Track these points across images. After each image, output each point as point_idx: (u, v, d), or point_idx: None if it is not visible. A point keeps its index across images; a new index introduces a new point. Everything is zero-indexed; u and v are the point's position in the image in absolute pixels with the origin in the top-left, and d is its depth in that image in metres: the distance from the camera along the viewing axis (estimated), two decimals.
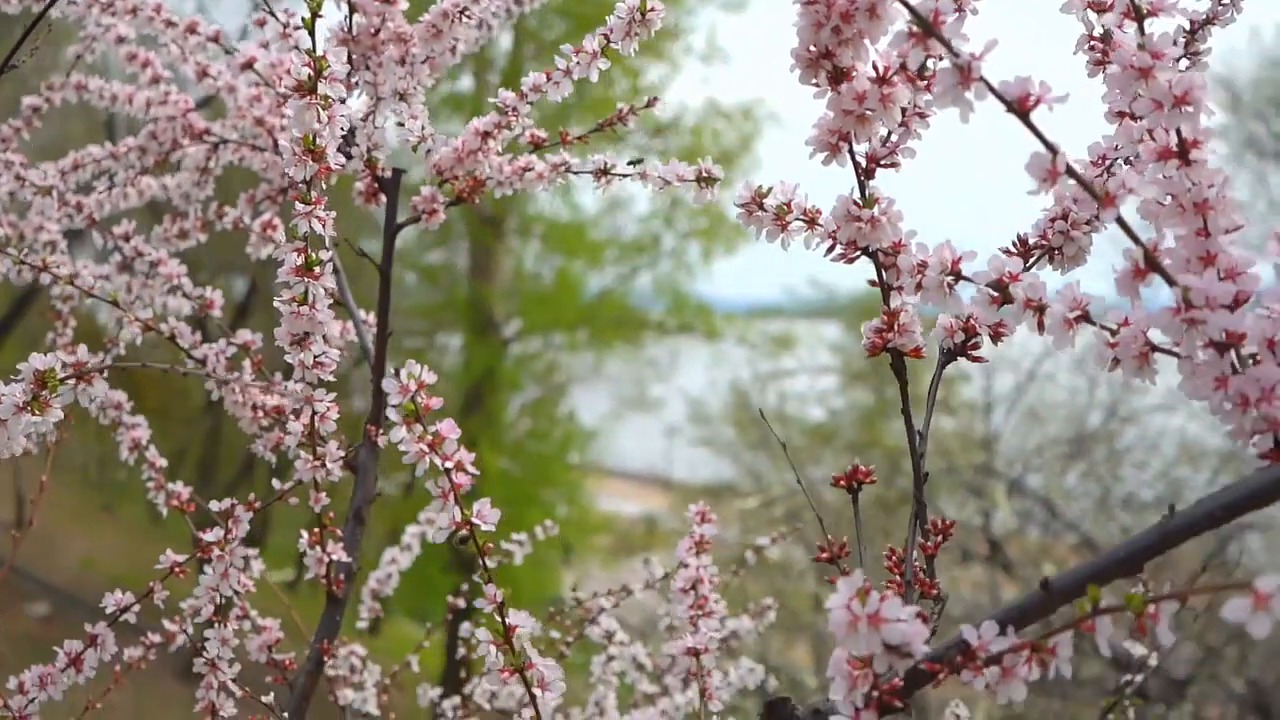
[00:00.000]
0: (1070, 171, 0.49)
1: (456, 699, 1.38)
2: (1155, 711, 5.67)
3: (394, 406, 0.59)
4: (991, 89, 0.49)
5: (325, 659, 0.97)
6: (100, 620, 1.02)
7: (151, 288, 1.12)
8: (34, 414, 0.66)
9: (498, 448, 10.96)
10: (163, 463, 1.09)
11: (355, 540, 0.99)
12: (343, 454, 0.90)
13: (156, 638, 1.11)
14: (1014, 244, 0.67)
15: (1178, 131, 0.52)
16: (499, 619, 0.63)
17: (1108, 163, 0.68)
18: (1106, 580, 0.50)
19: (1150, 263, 0.51)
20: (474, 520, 0.61)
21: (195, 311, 1.10)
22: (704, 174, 0.83)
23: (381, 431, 0.94)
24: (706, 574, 0.94)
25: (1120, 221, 0.50)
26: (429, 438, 0.60)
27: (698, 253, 11.96)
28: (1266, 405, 0.49)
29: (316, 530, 0.94)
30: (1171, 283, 0.50)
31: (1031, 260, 0.67)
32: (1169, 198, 0.53)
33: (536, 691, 0.63)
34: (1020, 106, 0.50)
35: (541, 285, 11.82)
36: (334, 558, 0.95)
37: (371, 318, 1.11)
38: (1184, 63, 0.71)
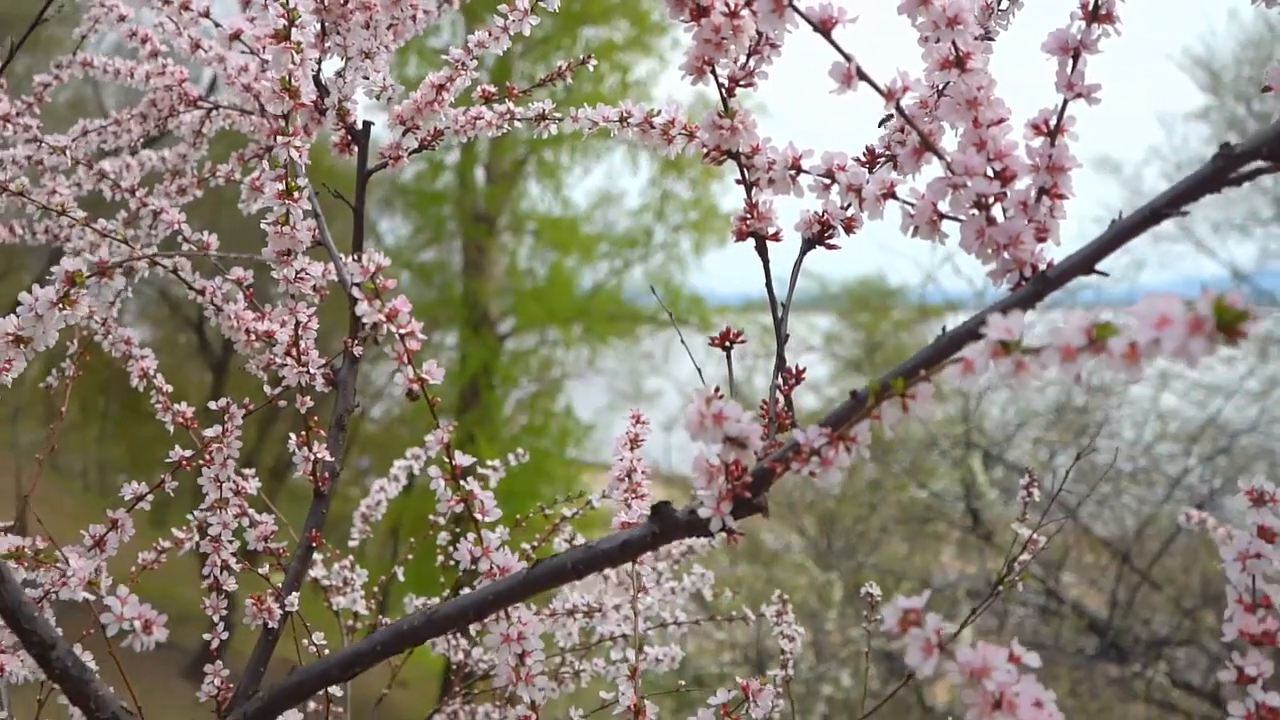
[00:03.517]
0: (861, 75, 0.65)
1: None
2: (1133, 669, 5.84)
3: (356, 285, 0.75)
4: (799, 13, 0.65)
5: (314, 546, 1.13)
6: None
7: (155, 236, 1.27)
8: (65, 308, 0.81)
9: (495, 443, 11.10)
10: (169, 388, 1.24)
11: (337, 444, 1.14)
12: (324, 362, 1.05)
13: (166, 543, 1.26)
14: (863, 152, 0.82)
15: (954, 45, 0.68)
16: (447, 459, 0.79)
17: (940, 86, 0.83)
18: (904, 384, 0.65)
19: (925, 144, 0.66)
20: (424, 376, 0.77)
21: (194, 254, 1.25)
22: (625, 115, 0.98)
23: (358, 343, 1.09)
24: (639, 465, 1.10)
25: (900, 112, 0.66)
26: (387, 310, 0.75)
27: (689, 246, 12.12)
28: (1013, 249, 0.65)
29: (303, 433, 1.10)
30: (941, 158, 0.66)
31: (878, 165, 0.82)
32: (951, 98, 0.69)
33: (478, 516, 0.79)
34: (824, 27, 0.65)
35: (535, 281, 11.97)
36: (319, 457, 1.11)
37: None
38: (1006, 3, 0.87)
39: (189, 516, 1.27)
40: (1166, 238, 9.18)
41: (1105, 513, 7.56)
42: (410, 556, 1.55)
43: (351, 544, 1.51)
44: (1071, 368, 0.49)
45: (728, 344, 0.80)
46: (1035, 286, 0.62)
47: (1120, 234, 0.61)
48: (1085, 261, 0.61)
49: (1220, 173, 0.59)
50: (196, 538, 1.24)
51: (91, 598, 0.76)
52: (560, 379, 12.26)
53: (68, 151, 1.27)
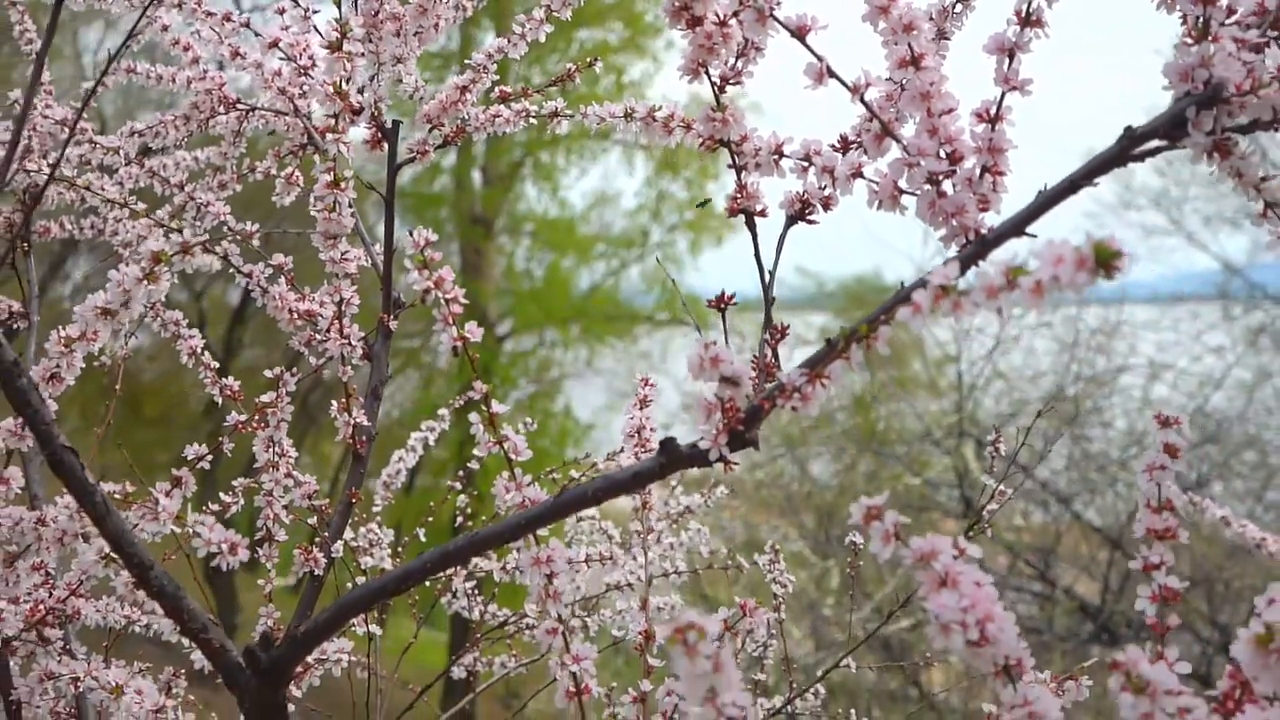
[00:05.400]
0: (831, 73, 0.77)
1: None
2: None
3: (409, 257, 0.87)
4: (780, 23, 0.77)
5: (353, 503, 1.25)
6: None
7: (200, 227, 1.40)
8: (150, 284, 0.94)
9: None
10: (215, 364, 1.37)
11: (373, 411, 1.27)
12: (364, 335, 1.18)
13: (216, 506, 1.38)
14: (839, 139, 0.95)
15: (910, 47, 0.80)
16: (485, 408, 0.91)
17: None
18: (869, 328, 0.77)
19: (886, 131, 0.79)
20: (466, 334, 0.89)
21: (239, 244, 1.37)
22: (629, 111, 1.11)
23: (393, 319, 1.22)
24: (648, 423, 1.22)
25: (864, 104, 0.79)
26: (435, 278, 0.88)
27: (685, 246, 12.26)
28: (959, 218, 0.77)
29: (344, 400, 1.23)
30: (899, 142, 0.78)
31: (850, 151, 0.95)
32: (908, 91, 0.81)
33: (512, 455, 0.91)
34: (800, 33, 0.78)
35: (533, 282, 12.10)
36: (358, 422, 1.23)
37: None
38: (959, 6, 0.99)
39: (233, 484, 1.40)
40: (1158, 232, 9.31)
41: (1098, 501, 7.70)
42: (430, 519, 1.68)
43: (375, 509, 1.64)
44: (994, 303, 0.61)
45: (722, 306, 0.93)
46: (976, 247, 0.75)
47: (1045, 202, 0.73)
48: (1016, 226, 0.74)
49: (1125, 150, 0.72)
50: (242, 501, 1.37)
51: (178, 529, 0.89)
52: (559, 379, 12.39)
53: (121, 151, 1.39)
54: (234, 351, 10.44)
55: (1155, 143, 0.72)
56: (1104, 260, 0.55)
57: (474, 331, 0.89)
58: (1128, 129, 0.72)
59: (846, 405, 10.25)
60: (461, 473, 1.68)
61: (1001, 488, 1.43)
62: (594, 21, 11.54)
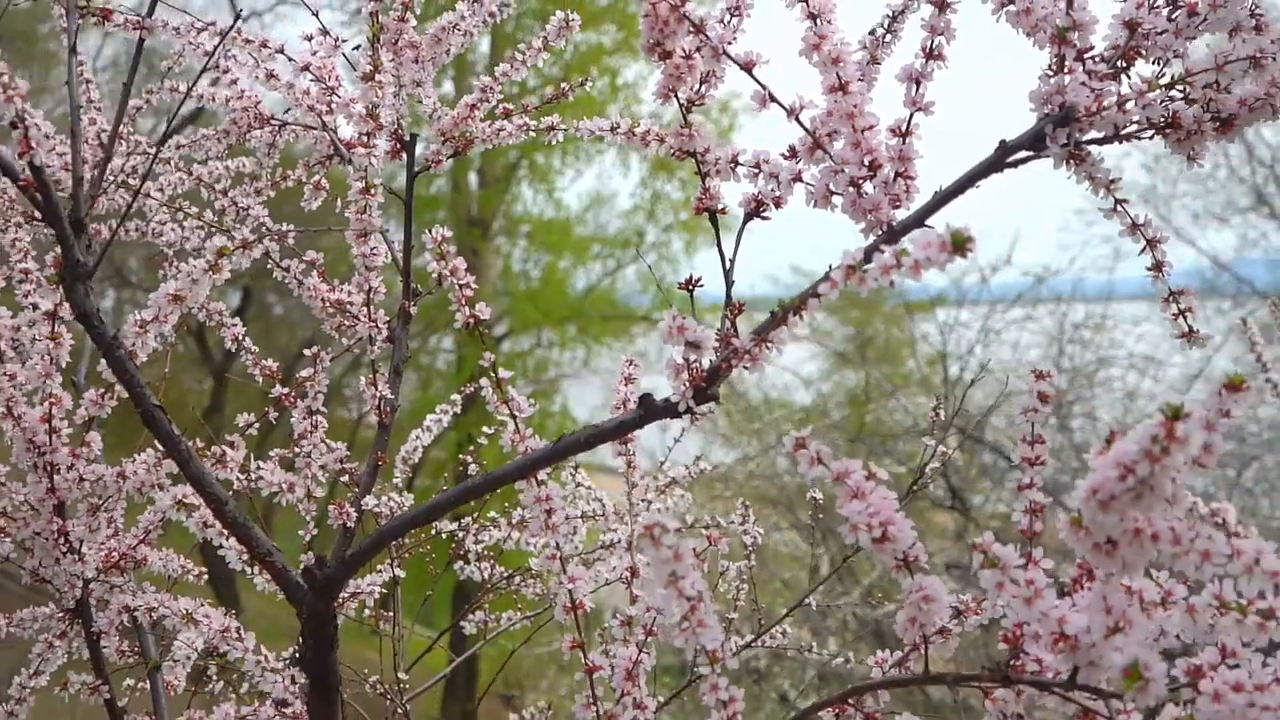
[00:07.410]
0: (772, 98, 0.97)
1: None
2: None
3: (428, 250, 1.07)
4: (730, 58, 0.97)
5: (379, 465, 1.44)
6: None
7: (240, 228, 1.59)
8: (213, 274, 1.13)
9: (494, 444, 11.42)
10: (256, 349, 1.56)
11: (395, 386, 1.46)
12: (389, 319, 1.37)
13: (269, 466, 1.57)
14: (787, 149, 1.14)
15: (837, 75, 1.00)
16: (494, 374, 1.11)
17: None
18: (801, 301, 0.97)
19: (816, 144, 0.98)
20: (477, 314, 1.09)
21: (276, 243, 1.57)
22: (614, 125, 1.30)
23: (412, 305, 1.41)
24: (632, 398, 1.42)
25: (799, 122, 0.98)
26: (449, 266, 1.07)
27: (681, 246, 12.44)
28: (874, 214, 0.97)
29: (370, 375, 1.42)
30: (826, 152, 0.98)
31: (798, 160, 1.14)
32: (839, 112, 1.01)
33: (516, 412, 1.11)
34: (747, 66, 0.97)
35: (529, 283, 12.28)
36: (383, 395, 1.43)
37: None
38: (888, 36, 1.19)
39: (270, 454, 1.59)
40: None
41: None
42: (445, 487, 1.86)
43: (395, 481, 1.83)
44: (887, 278, 0.81)
45: (690, 288, 1.12)
46: (886, 236, 0.94)
47: (939, 201, 0.93)
48: (916, 220, 0.94)
49: (1000, 159, 0.91)
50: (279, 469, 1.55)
51: (243, 477, 1.08)
52: (556, 379, 12.56)
53: (171, 161, 1.59)
54: (232, 354, 10.61)
55: (1024, 153, 0.92)
56: (958, 244, 0.75)
57: (484, 310, 1.08)
58: (1002, 142, 0.91)
59: (842, 401, 10.44)
60: (472, 448, 1.87)
61: (942, 449, 1.62)
62: (589, 24, 11.72)
